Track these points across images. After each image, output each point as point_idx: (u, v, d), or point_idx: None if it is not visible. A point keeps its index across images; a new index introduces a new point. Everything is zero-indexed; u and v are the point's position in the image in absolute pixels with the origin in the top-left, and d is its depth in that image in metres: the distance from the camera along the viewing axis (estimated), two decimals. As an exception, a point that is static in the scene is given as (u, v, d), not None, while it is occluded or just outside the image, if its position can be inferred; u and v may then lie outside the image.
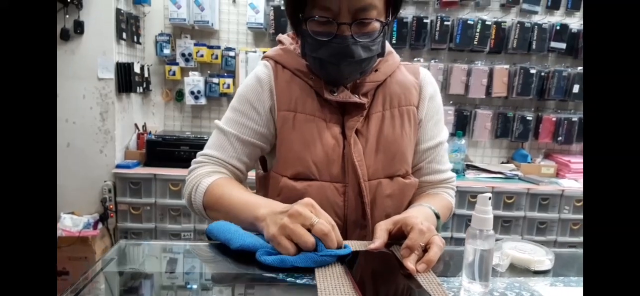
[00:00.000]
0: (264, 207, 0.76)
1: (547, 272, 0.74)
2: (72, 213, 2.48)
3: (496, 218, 2.42)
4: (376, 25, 0.83)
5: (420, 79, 0.98)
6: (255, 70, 0.96)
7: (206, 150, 0.95)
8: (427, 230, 0.74)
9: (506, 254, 0.75)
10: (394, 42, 2.81)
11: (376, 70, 0.93)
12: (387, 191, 0.91)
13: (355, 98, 0.89)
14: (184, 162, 2.55)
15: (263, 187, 0.99)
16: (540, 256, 0.76)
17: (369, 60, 0.87)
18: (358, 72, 0.88)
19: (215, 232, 0.78)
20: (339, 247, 0.70)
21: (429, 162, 1.00)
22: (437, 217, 0.90)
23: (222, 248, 0.77)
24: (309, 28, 0.83)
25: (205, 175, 0.90)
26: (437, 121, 1.00)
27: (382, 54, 0.89)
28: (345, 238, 0.89)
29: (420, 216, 0.80)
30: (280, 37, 1.02)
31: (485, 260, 0.64)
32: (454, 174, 1.04)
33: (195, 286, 0.67)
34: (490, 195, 0.64)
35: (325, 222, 0.68)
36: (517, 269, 0.75)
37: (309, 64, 0.90)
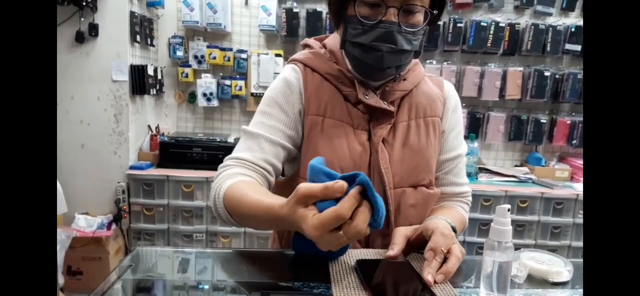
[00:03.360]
0: (282, 205, 0.69)
1: (565, 284, 0.73)
2: (86, 213, 2.51)
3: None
4: (420, 18, 0.85)
5: (444, 91, 0.99)
6: (283, 74, 0.95)
7: (234, 153, 0.92)
8: (449, 235, 0.75)
9: (524, 265, 0.74)
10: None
11: (404, 79, 0.94)
12: (411, 200, 0.91)
13: (385, 105, 0.90)
14: (197, 163, 2.58)
15: (284, 193, 0.94)
16: (559, 267, 0.75)
17: (408, 55, 0.87)
18: (396, 65, 0.88)
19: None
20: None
21: (446, 173, 1.00)
22: (454, 230, 0.89)
23: (236, 255, 0.77)
24: (358, 11, 0.83)
25: (227, 178, 0.84)
26: (458, 133, 1.00)
27: (419, 53, 0.89)
28: (367, 246, 0.89)
29: (439, 224, 0.80)
30: (308, 41, 1.02)
31: (504, 272, 0.63)
32: (470, 189, 1.04)
33: (208, 293, 0.67)
34: (509, 206, 0.63)
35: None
36: (535, 280, 0.74)
37: (348, 53, 0.90)
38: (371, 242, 0.91)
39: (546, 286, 0.72)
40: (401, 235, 0.79)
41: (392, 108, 0.91)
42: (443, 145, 0.98)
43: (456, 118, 1.00)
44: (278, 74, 3.42)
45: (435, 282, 0.68)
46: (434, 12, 0.86)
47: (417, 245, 0.80)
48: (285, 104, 0.92)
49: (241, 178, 0.83)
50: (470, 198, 1.05)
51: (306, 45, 1.01)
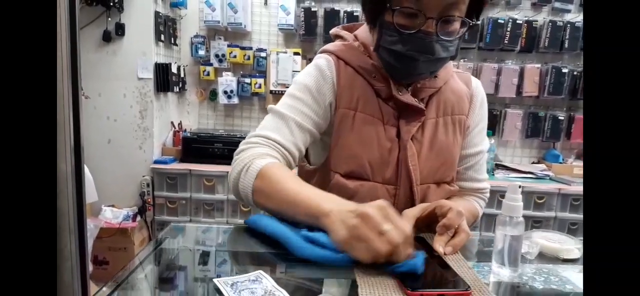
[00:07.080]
0: (330, 201, 0.71)
1: (576, 260, 0.77)
2: (113, 205, 2.61)
3: (526, 218, 2.37)
4: (457, 26, 0.83)
5: (472, 88, 1.00)
6: (316, 62, 0.93)
7: (261, 130, 0.89)
8: (462, 214, 0.76)
9: (535, 242, 0.78)
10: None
11: (435, 76, 0.93)
12: (434, 197, 0.92)
13: (417, 103, 0.90)
14: (218, 158, 2.66)
15: (308, 181, 0.89)
16: (570, 245, 0.78)
17: (444, 61, 0.87)
18: (430, 71, 0.88)
19: (268, 230, 0.76)
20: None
21: (467, 168, 1.01)
22: None
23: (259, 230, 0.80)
24: (395, 20, 0.81)
25: (258, 156, 0.83)
26: (482, 129, 1.02)
27: (454, 57, 0.88)
28: None
29: (455, 204, 0.81)
30: (339, 31, 0.99)
31: (514, 246, 0.67)
32: (488, 186, 1.04)
33: (232, 266, 0.72)
34: (520, 184, 0.67)
35: (397, 232, 0.62)
36: (546, 257, 0.78)
37: (382, 56, 0.88)
38: None
39: (557, 262, 0.76)
40: (409, 216, 0.80)
41: (423, 106, 0.91)
42: (467, 141, 0.99)
43: (482, 114, 1.01)
44: (296, 71, 3.47)
45: (444, 254, 0.72)
46: (472, 22, 0.84)
47: (425, 223, 0.81)
48: (317, 93, 0.90)
49: (273, 160, 0.83)
50: (487, 195, 1.05)
51: (337, 36, 0.99)
